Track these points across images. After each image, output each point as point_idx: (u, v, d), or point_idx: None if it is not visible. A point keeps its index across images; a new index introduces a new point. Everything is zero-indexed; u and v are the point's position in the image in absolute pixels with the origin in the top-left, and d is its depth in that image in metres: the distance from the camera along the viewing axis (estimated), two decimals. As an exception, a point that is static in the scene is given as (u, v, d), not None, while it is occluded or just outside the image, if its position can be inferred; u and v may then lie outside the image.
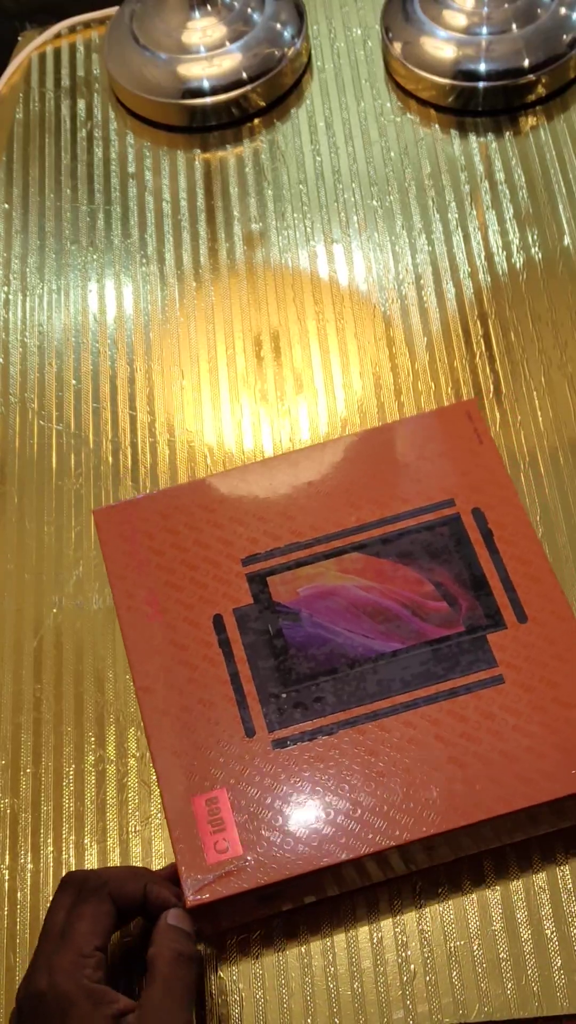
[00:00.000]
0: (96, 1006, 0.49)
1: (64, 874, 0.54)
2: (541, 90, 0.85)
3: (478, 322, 0.77)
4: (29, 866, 0.61)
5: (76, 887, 0.53)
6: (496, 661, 0.57)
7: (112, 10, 0.93)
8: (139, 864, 0.60)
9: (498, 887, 0.58)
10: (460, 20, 0.85)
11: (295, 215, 0.83)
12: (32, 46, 0.94)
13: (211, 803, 0.54)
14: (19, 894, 0.60)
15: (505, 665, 0.57)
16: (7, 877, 0.61)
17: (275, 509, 0.63)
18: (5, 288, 0.83)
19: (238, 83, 0.86)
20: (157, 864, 0.60)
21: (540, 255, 0.79)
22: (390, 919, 0.57)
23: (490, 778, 0.54)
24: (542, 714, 0.55)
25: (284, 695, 0.57)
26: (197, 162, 0.87)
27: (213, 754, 0.56)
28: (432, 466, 0.64)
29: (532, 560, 0.60)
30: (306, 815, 0.54)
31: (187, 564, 0.61)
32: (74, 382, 0.78)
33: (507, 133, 0.85)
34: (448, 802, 0.53)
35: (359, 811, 0.54)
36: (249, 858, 0.53)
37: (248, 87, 0.86)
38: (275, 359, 0.77)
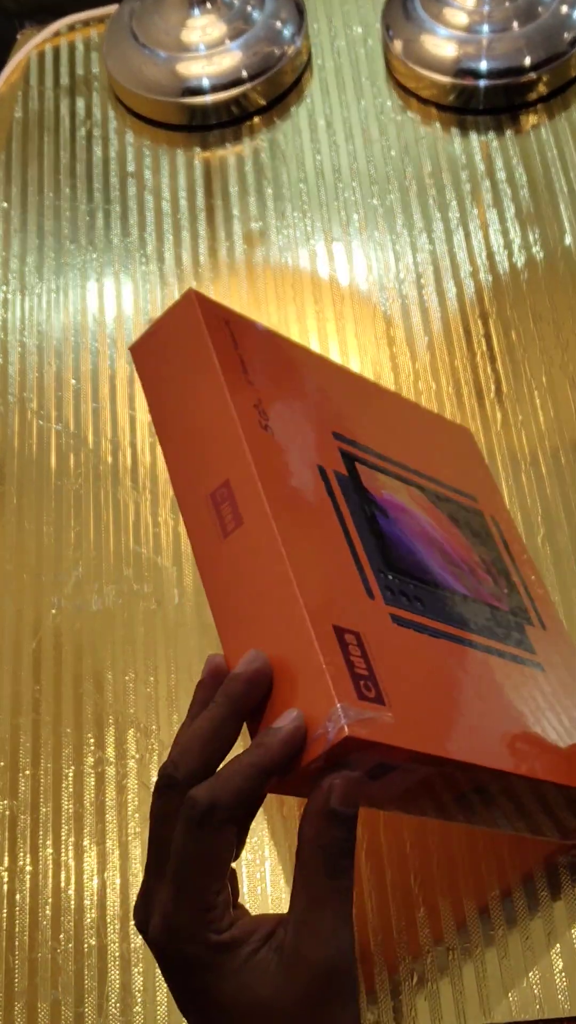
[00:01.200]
0: (233, 955, 0.41)
1: (164, 776, 0.43)
2: (542, 88, 0.84)
3: (479, 321, 0.76)
4: (28, 868, 0.61)
5: (195, 810, 0.42)
6: (534, 649, 0.56)
7: (111, 8, 0.93)
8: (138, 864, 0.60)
9: (498, 889, 0.57)
10: (461, 18, 0.85)
11: (295, 214, 0.83)
12: (31, 44, 0.94)
13: (351, 638, 0.44)
14: (18, 896, 0.60)
15: (542, 658, 0.56)
16: (6, 879, 0.61)
17: (355, 408, 0.56)
18: (4, 287, 0.82)
19: (238, 81, 0.86)
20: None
21: (541, 254, 0.78)
22: (390, 922, 0.57)
23: (559, 752, 0.51)
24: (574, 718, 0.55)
25: (391, 576, 0.49)
26: (197, 161, 0.87)
27: (342, 591, 0.46)
28: (457, 460, 0.64)
29: (539, 584, 0.61)
30: (437, 702, 0.46)
31: (287, 402, 0.51)
32: (73, 382, 0.78)
33: (508, 131, 0.84)
34: (545, 757, 0.49)
35: (482, 724, 0.47)
36: (395, 715, 0.43)
37: (248, 85, 0.86)
38: (275, 358, 0.77)
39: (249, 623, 0.45)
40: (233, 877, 0.44)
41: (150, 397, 0.52)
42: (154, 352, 0.53)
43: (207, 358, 0.49)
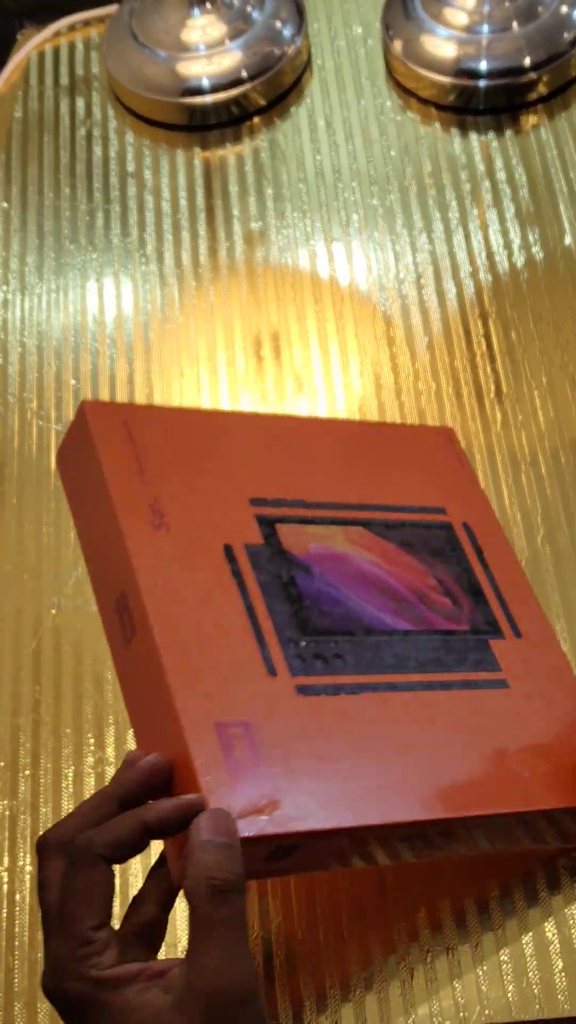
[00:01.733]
0: (119, 992, 0.41)
1: (39, 842, 0.46)
2: (542, 88, 0.84)
3: (479, 321, 0.76)
4: (28, 868, 0.61)
5: (60, 853, 0.44)
6: (500, 666, 0.56)
7: (111, 8, 0.93)
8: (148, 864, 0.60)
9: (498, 888, 0.57)
10: (461, 18, 0.85)
11: (295, 214, 0.83)
12: (31, 44, 0.94)
13: (237, 731, 0.47)
14: (18, 896, 0.60)
15: (508, 673, 0.56)
16: (6, 879, 0.61)
17: (282, 462, 0.58)
18: (4, 287, 0.82)
19: (238, 81, 0.86)
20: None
21: (541, 254, 0.79)
22: (390, 921, 0.57)
23: (507, 776, 0.52)
24: (546, 727, 0.54)
25: (304, 643, 0.51)
26: (197, 161, 0.87)
27: (235, 683, 0.48)
28: (423, 474, 0.63)
29: (520, 584, 0.60)
30: (341, 769, 0.48)
31: (192, 487, 0.53)
32: (73, 382, 0.78)
33: (508, 131, 0.84)
34: (476, 790, 0.50)
35: (390, 779, 0.49)
36: (286, 802, 0.45)
37: (248, 85, 0.86)
38: (275, 359, 0.77)
39: (148, 725, 0.49)
40: (157, 927, 0.46)
41: (71, 507, 0.55)
42: (67, 464, 0.56)
43: (98, 471, 0.52)
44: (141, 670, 0.49)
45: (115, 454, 0.53)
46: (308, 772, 0.47)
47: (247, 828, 0.44)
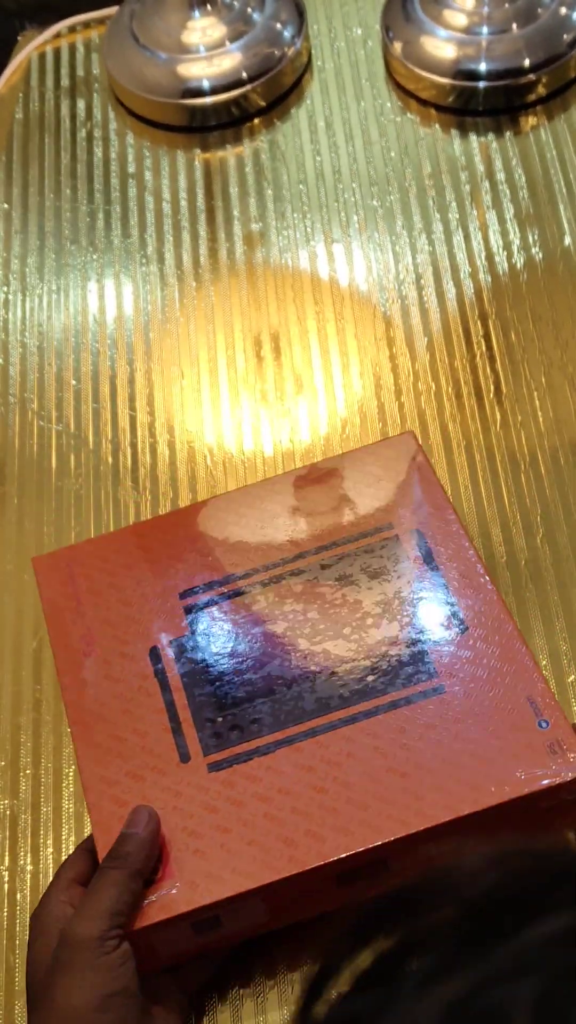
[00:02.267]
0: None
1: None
2: (541, 90, 0.84)
3: (479, 322, 0.76)
4: (29, 867, 0.61)
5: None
6: (436, 672, 0.56)
7: (112, 10, 0.93)
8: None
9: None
10: (460, 20, 0.85)
11: (295, 215, 0.83)
12: (32, 46, 0.94)
13: None
14: (19, 895, 0.60)
15: (446, 675, 0.56)
16: (7, 878, 0.61)
17: (213, 544, 0.63)
18: (5, 288, 0.83)
19: (238, 83, 0.86)
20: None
21: (541, 255, 0.79)
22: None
23: (434, 786, 0.53)
24: (484, 720, 0.55)
25: (220, 719, 0.56)
26: (197, 162, 0.87)
27: (148, 782, 0.55)
28: (370, 495, 0.64)
29: (471, 574, 0.60)
30: (240, 836, 0.53)
31: (123, 602, 0.61)
32: (74, 382, 0.78)
33: (507, 133, 0.84)
34: (389, 814, 0.52)
35: (295, 829, 0.53)
36: (178, 884, 0.52)
37: (248, 87, 0.86)
38: (275, 359, 0.77)
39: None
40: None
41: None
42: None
43: (46, 617, 0.62)
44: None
45: (56, 599, 0.62)
46: (211, 847, 0.53)
47: (139, 920, 0.51)
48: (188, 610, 0.60)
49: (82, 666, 0.59)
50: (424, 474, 0.65)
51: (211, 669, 0.58)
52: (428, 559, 0.61)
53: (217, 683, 0.58)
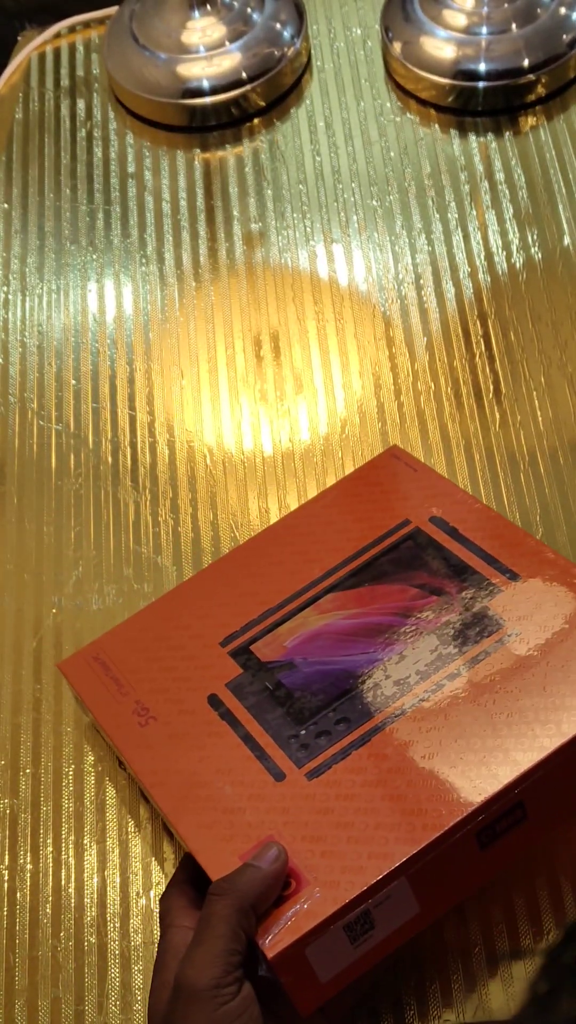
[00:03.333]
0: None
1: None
2: (541, 90, 0.85)
3: (478, 322, 0.77)
4: (28, 866, 0.61)
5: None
6: (503, 620, 0.57)
7: (112, 10, 0.93)
8: (139, 863, 0.61)
9: (500, 886, 0.58)
10: (460, 20, 0.85)
11: (295, 215, 0.83)
12: (32, 46, 0.94)
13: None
14: (18, 894, 0.60)
15: (513, 621, 0.57)
16: (6, 877, 0.61)
17: (237, 593, 0.63)
18: (5, 288, 0.83)
19: (238, 83, 0.86)
20: (156, 863, 0.60)
21: (540, 255, 0.79)
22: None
23: (548, 709, 0.52)
24: (563, 656, 0.55)
25: (303, 731, 0.56)
26: (197, 162, 0.87)
27: (248, 811, 0.54)
28: (376, 506, 0.65)
29: (504, 533, 0.61)
30: (364, 825, 0.51)
31: (166, 668, 0.61)
32: (74, 382, 0.78)
33: (507, 133, 0.85)
34: (512, 751, 0.52)
35: (418, 800, 0.51)
36: (318, 889, 0.50)
37: (248, 87, 0.86)
38: (275, 359, 0.77)
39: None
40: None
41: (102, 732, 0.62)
42: (81, 707, 0.65)
43: (89, 711, 0.61)
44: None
45: (95, 689, 0.61)
46: (338, 844, 0.51)
47: (289, 934, 0.48)
48: (235, 653, 0.60)
49: (142, 736, 0.58)
50: (422, 472, 0.66)
51: (277, 693, 0.58)
52: (455, 535, 0.62)
53: (287, 703, 0.57)
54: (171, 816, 0.55)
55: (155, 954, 0.51)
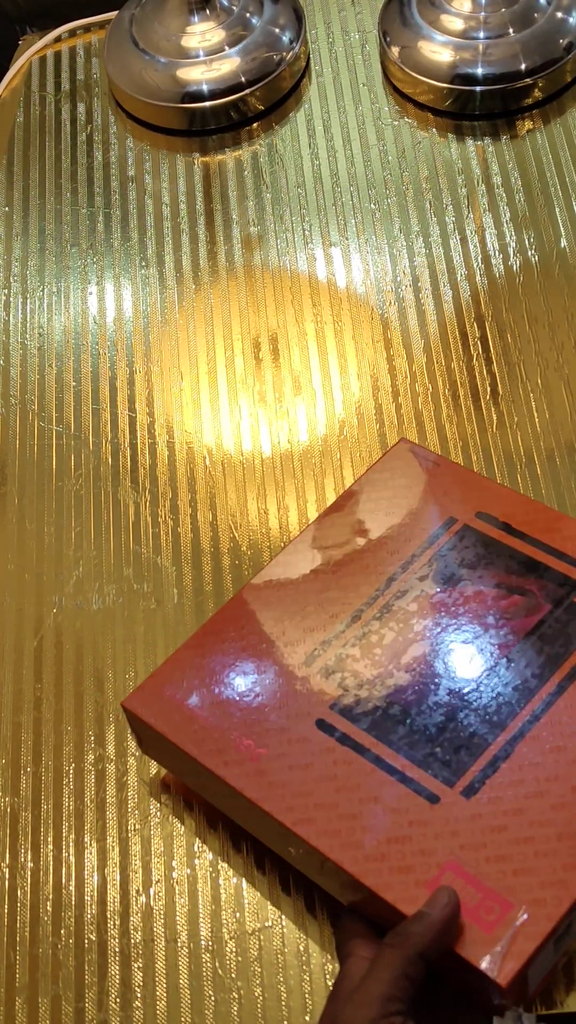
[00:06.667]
0: None
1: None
2: (538, 94, 0.85)
3: (475, 324, 0.77)
4: (29, 864, 0.61)
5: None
6: None
7: (112, 14, 0.94)
8: (142, 862, 0.61)
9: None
10: (457, 24, 0.86)
11: (293, 218, 0.84)
12: (32, 50, 0.94)
13: (451, 879, 0.50)
14: (19, 892, 0.61)
15: None
16: (7, 875, 0.61)
17: (298, 608, 0.60)
18: (5, 291, 0.83)
19: (237, 87, 0.87)
20: (156, 861, 0.61)
21: (536, 257, 0.79)
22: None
23: None
24: None
25: (439, 748, 0.54)
26: (196, 165, 0.87)
27: (415, 839, 0.51)
28: (413, 503, 0.63)
29: (560, 527, 0.60)
30: (546, 837, 0.50)
31: (249, 692, 0.57)
32: (74, 384, 0.78)
33: (504, 136, 0.85)
34: None
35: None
36: (524, 908, 0.49)
37: (247, 91, 0.87)
38: (273, 361, 0.77)
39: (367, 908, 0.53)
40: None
41: (181, 777, 0.60)
42: (151, 750, 0.61)
43: (180, 752, 0.56)
44: (335, 881, 0.53)
45: (177, 726, 0.57)
46: (526, 861, 0.50)
47: (514, 961, 0.48)
48: (325, 674, 0.57)
49: (257, 772, 0.54)
50: (444, 467, 0.65)
51: (391, 711, 0.55)
52: (509, 530, 0.61)
53: (408, 720, 0.55)
54: (331, 853, 0.52)
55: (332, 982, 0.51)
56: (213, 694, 0.58)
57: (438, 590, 0.59)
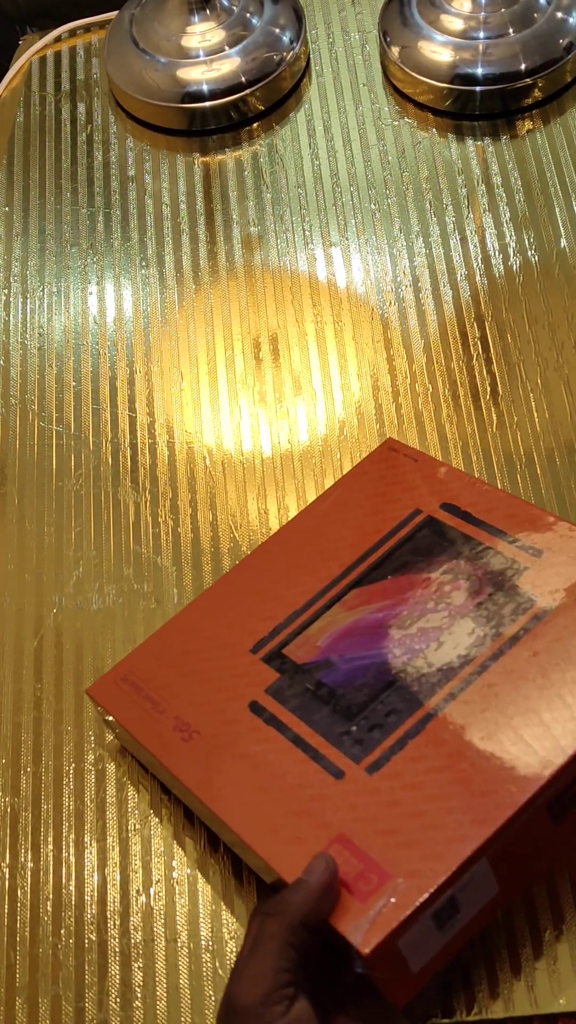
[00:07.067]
0: None
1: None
2: (537, 94, 0.85)
3: (475, 324, 0.77)
4: (29, 864, 0.61)
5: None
6: (535, 597, 0.58)
7: (112, 14, 0.94)
8: (142, 860, 0.61)
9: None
10: (457, 24, 0.86)
11: (293, 218, 0.84)
12: (33, 50, 0.94)
13: (339, 848, 0.52)
14: (19, 892, 0.61)
15: (547, 595, 0.57)
16: (7, 875, 0.61)
17: (260, 599, 0.63)
18: (5, 291, 0.83)
19: (237, 87, 0.87)
20: (156, 861, 0.61)
21: (536, 257, 0.79)
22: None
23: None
24: None
25: (354, 727, 0.56)
26: (196, 165, 0.87)
27: (314, 812, 0.53)
28: (384, 499, 0.65)
29: (517, 512, 0.62)
30: (436, 811, 0.51)
31: (199, 681, 0.60)
32: (74, 384, 0.78)
33: (504, 136, 0.85)
34: (566, 726, 0.52)
35: (485, 780, 0.51)
36: (400, 879, 0.50)
37: (247, 91, 0.87)
38: (274, 361, 0.78)
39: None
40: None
41: (137, 757, 0.63)
42: (117, 735, 0.64)
43: (128, 732, 0.60)
44: (253, 859, 0.55)
45: (130, 711, 0.60)
46: (413, 834, 0.51)
47: (380, 930, 0.48)
48: (269, 658, 0.60)
49: (188, 751, 0.58)
50: (423, 461, 0.66)
51: (319, 693, 0.58)
52: (469, 518, 0.62)
53: (332, 702, 0.57)
54: (237, 826, 0.54)
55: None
56: (171, 679, 0.61)
57: (389, 578, 0.61)
